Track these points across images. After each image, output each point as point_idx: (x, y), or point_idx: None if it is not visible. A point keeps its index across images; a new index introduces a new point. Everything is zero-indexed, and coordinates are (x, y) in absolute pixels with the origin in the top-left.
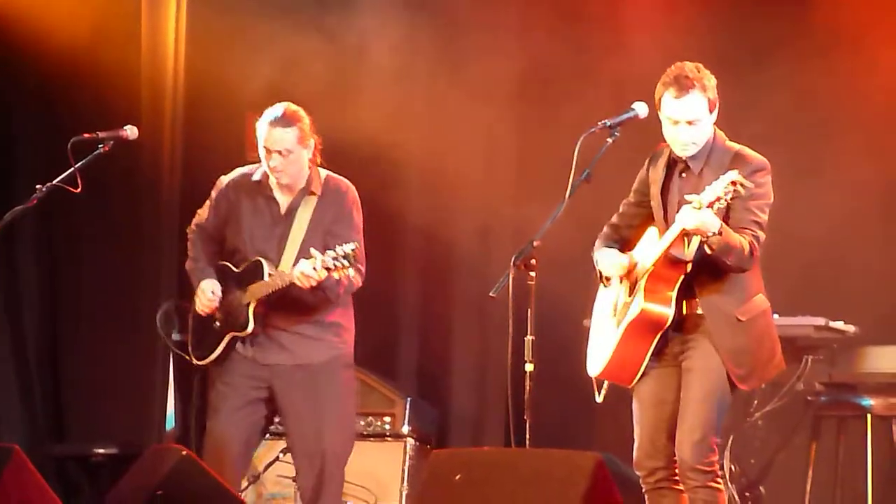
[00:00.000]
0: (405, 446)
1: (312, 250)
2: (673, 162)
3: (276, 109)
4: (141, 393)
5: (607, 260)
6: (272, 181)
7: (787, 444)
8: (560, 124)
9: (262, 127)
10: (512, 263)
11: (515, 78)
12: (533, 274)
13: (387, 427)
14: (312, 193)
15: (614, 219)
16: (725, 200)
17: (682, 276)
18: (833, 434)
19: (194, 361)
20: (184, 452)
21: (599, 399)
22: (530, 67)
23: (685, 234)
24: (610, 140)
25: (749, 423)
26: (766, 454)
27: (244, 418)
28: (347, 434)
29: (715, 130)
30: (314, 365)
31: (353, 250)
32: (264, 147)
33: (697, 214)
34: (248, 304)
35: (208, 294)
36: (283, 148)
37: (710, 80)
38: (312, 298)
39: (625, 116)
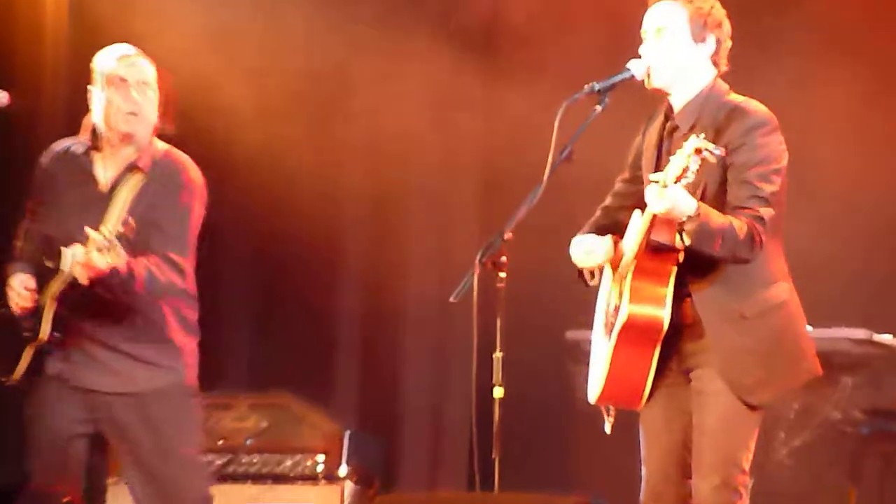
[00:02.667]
0: (343, 491)
1: (87, 230)
2: (667, 122)
3: (126, 46)
4: None
5: (579, 248)
6: (95, 155)
7: (820, 487)
8: (537, 89)
9: (112, 59)
10: (477, 261)
11: (481, 33)
12: (503, 275)
13: (320, 467)
14: (138, 170)
15: (607, 199)
16: (693, 173)
17: (675, 268)
18: (877, 475)
19: None
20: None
21: (608, 429)
22: (500, 20)
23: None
24: (599, 108)
25: (773, 461)
26: (793, 499)
27: (61, 461)
28: (200, 479)
29: (715, 80)
30: (146, 393)
31: (121, 230)
32: (117, 79)
33: (665, 195)
34: (44, 305)
35: (18, 289)
36: (142, 79)
37: (704, 2)
38: (127, 303)
39: (617, 78)
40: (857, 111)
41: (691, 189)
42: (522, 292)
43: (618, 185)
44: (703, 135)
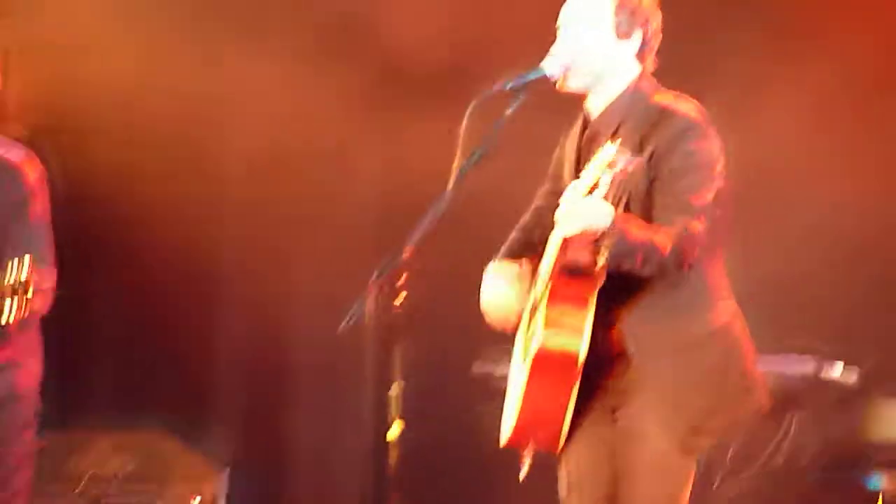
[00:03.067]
0: None
1: None
2: (586, 127)
3: None
4: None
5: (491, 308)
6: None
7: None
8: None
9: None
10: (372, 283)
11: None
12: (402, 298)
13: None
14: None
15: (526, 216)
16: (606, 186)
17: (595, 292)
18: None
19: None
20: None
21: (523, 476)
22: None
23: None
24: (510, 110)
25: None
26: None
27: None
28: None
29: (640, 79)
30: None
31: (27, 274)
32: None
33: (575, 211)
34: None
35: None
36: None
37: (642, 5)
38: None
39: (530, 77)
40: (818, 126)
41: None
42: (424, 318)
43: (538, 200)
44: (618, 141)
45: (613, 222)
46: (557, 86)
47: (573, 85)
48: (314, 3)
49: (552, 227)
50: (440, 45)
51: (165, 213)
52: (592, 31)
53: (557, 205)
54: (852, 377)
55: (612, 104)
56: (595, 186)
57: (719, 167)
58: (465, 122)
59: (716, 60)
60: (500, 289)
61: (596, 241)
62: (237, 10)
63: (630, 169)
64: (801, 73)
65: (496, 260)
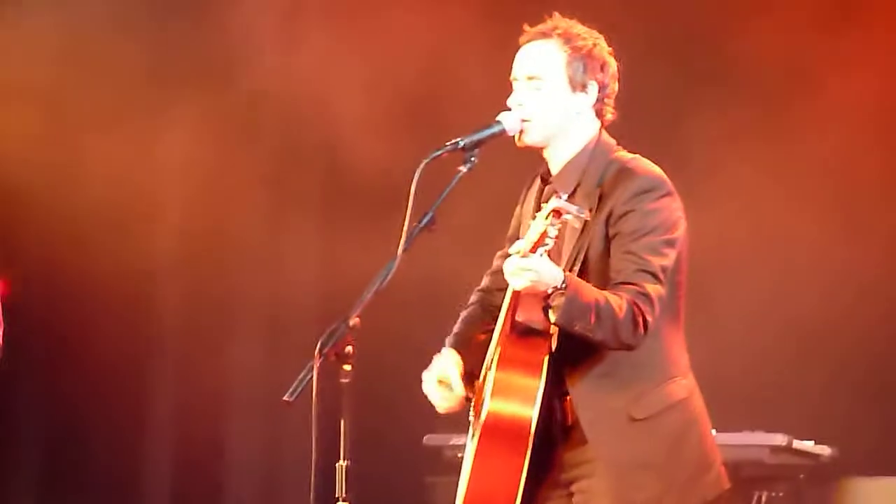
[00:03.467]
0: None
1: None
2: (544, 185)
3: None
4: None
5: (431, 389)
6: None
7: None
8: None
9: None
10: (317, 352)
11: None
12: (348, 368)
13: None
14: None
15: (484, 280)
16: (552, 239)
17: (547, 357)
18: None
19: None
20: None
21: None
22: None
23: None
24: (464, 168)
25: None
26: None
27: None
28: None
29: (600, 134)
30: None
31: None
32: None
33: (524, 265)
34: None
35: None
36: None
37: (587, 40)
38: None
39: (486, 133)
40: (783, 207)
41: (556, 259)
42: (373, 389)
43: (497, 263)
44: (564, 196)
45: (565, 278)
46: (516, 141)
47: (531, 140)
48: (266, 107)
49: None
50: (382, 148)
51: (99, 292)
52: (546, 87)
53: None
54: (826, 451)
55: (571, 161)
56: (541, 240)
57: (681, 230)
58: (414, 182)
59: (676, 143)
60: (431, 388)
61: (546, 299)
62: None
63: (578, 224)
64: (762, 151)
65: (444, 347)
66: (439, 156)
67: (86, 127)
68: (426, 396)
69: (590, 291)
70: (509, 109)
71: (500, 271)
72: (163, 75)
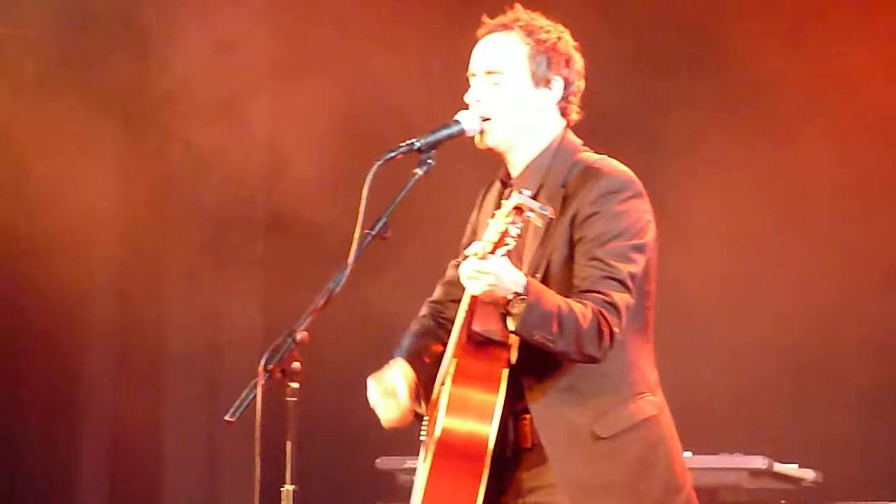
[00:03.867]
0: None
1: None
2: (503, 188)
3: None
4: None
5: (374, 393)
6: None
7: None
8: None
9: None
10: (262, 369)
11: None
12: (295, 385)
13: None
14: None
15: (436, 291)
16: (514, 239)
17: (506, 370)
18: None
19: None
20: None
21: None
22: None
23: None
24: (420, 171)
25: None
26: None
27: None
28: None
29: (564, 133)
30: None
31: None
32: None
33: (483, 268)
34: None
35: None
36: None
37: (550, 33)
38: None
39: (443, 134)
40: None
41: (516, 263)
42: (321, 408)
43: (450, 272)
44: (526, 192)
45: (526, 284)
46: (476, 142)
47: (492, 141)
48: (207, 142)
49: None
50: (324, 200)
51: (33, 314)
52: (507, 83)
53: None
54: (809, 475)
55: (533, 162)
56: (502, 240)
57: (650, 235)
58: (366, 185)
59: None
60: (376, 398)
61: (506, 306)
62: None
63: (540, 222)
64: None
65: (393, 359)
66: (393, 157)
67: (29, 148)
68: (375, 416)
69: (552, 298)
70: (468, 108)
71: (453, 281)
72: (103, 108)
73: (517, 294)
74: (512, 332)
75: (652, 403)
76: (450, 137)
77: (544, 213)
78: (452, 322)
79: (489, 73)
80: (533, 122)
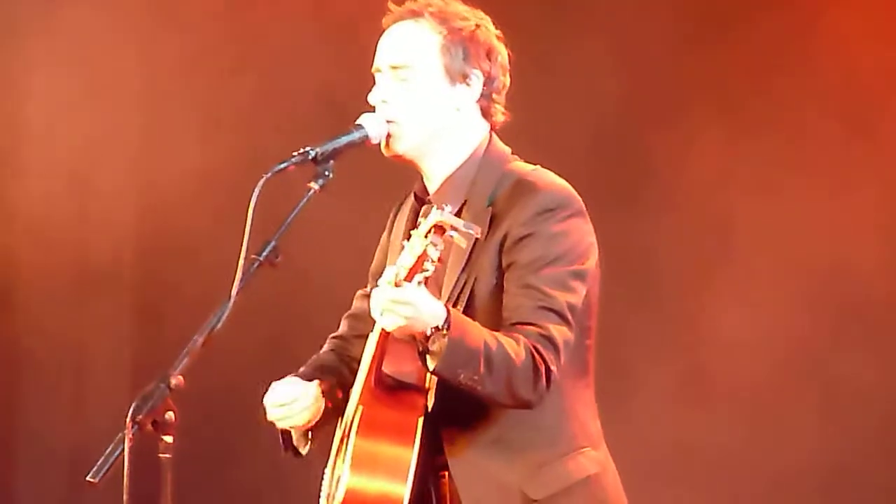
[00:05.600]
0: None
1: None
2: (419, 205)
3: None
4: None
5: (272, 400)
6: None
7: None
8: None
9: None
10: (129, 420)
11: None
12: (169, 439)
13: None
14: None
15: (341, 326)
16: (433, 263)
17: (422, 419)
18: None
19: None
20: None
21: None
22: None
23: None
24: (316, 185)
25: None
26: None
27: None
28: None
29: (490, 140)
30: None
31: None
32: None
33: (398, 297)
34: None
35: None
36: None
37: (468, 20)
38: None
39: (342, 141)
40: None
41: (434, 292)
42: (200, 464)
43: (356, 304)
44: (448, 208)
45: (448, 316)
46: (382, 149)
47: (401, 148)
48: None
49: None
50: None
51: None
52: (417, 78)
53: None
54: None
55: (454, 174)
56: (419, 264)
57: (592, 260)
58: (252, 203)
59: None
60: (283, 385)
61: (425, 342)
62: None
63: (464, 243)
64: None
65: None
66: (284, 169)
67: None
68: (264, 472)
69: (478, 333)
70: (373, 110)
71: (360, 314)
72: None
73: (437, 328)
74: (431, 372)
75: (593, 460)
76: (351, 145)
77: (469, 232)
78: (357, 362)
79: (395, 67)
80: (449, 124)
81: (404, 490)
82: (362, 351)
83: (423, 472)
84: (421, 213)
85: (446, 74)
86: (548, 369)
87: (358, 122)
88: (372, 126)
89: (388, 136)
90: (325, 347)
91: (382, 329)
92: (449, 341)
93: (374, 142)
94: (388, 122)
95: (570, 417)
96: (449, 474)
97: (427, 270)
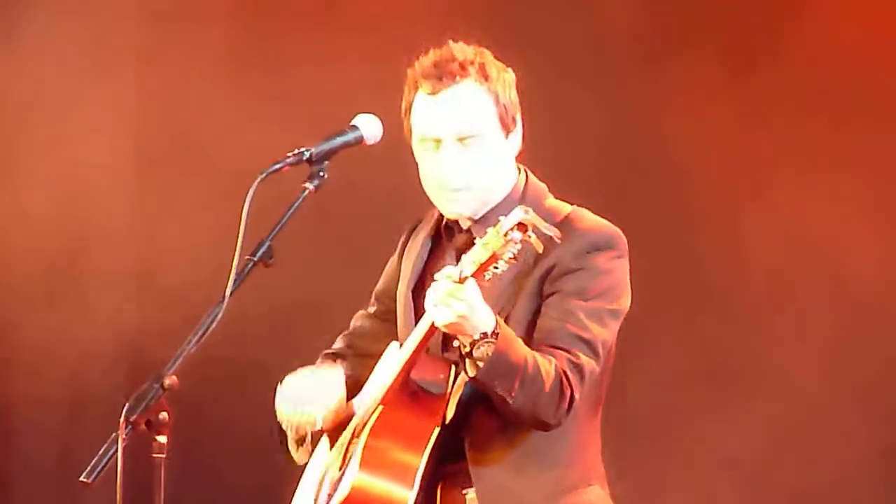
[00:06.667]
0: None
1: None
2: (443, 233)
3: None
4: None
5: (297, 388)
6: None
7: None
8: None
9: None
10: (123, 420)
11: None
12: (163, 439)
13: None
14: None
15: (338, 342)
16: (507, 262)
17: (437, 430)
18: None
19: None
20: None
21: None
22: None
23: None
24: (311, 186)
25: None
26: None
27: None
28: None
29: (527, 175)
30: None
31: None
32: None
33: (460, 294)
34: None
35: None
36: None
37: (505, 74)
38: None
39: (338, 142)
40: None
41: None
42: (193, 466)
43: (356, 324)
44: (524, 208)
45: (497, 325)
46: (443, 212)
47: (469, 212)
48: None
49: (374, 360)
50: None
51: None
52: (485, 142)
53: (382, 331)
54: None
55: (497, 207)
56: (491, 262)
57: (627, 302)
58: (247, 203)
59: None
60: (318, 370)
61: (471, 345)
62: None
63: (540, 247)
64: None
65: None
66: (279, 169)
67: None
68: (257, 472)
69: (521, 348)
70: (363, 113)
71: (361, 333)
72: None
73: (485, 334)
74: (470, 378)
75: (601, 498)
76: (346, 146)
77: (549, 234)
78: (357, 381)
79: (463, 138)
80: (505, 174)
81: (410, 495)
82: (362, 369)
83: (432, 480)
84: (452, 242)
85: (502, 129)
86: (572, 395)
87: (353, 122)
88: (367, 127)
89: (453, 200)
90: (338, 343)
91: (431, 324)
92: (495, 351)
93: (370, 143)
94: (455, 189)
95: (584, 452)
96: (442, 486)
97: (498, 268)
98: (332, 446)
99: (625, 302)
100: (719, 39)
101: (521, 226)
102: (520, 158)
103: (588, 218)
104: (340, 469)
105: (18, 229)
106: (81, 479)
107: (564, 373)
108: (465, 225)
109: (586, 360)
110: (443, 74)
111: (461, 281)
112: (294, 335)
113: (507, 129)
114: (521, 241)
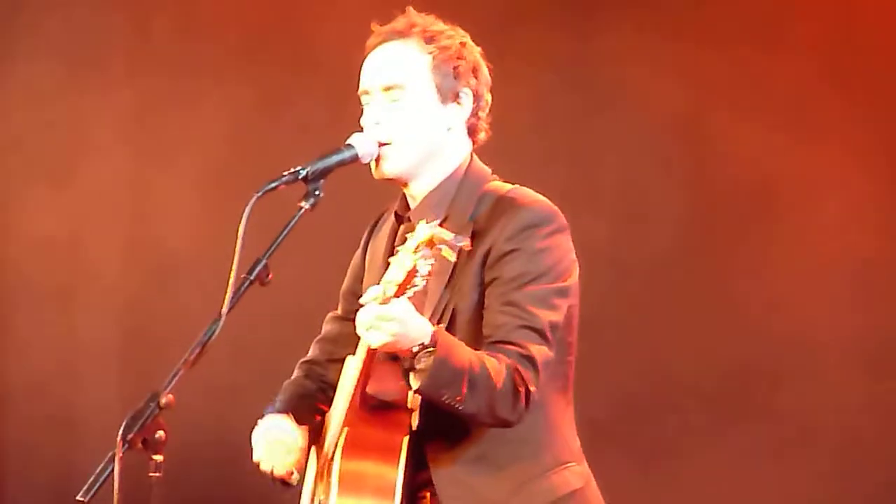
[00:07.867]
0: None
1: None
2: (399, 223)
3: None
4: None
5: (262, 448)
6: None
7: None
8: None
9: None
10: (120, 439)
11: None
12: (159, 458)
13: None
14: None
15: (311, 350)
16: (424, 278)
17: (407, 439)
18: None
19: None
20: None
21: None
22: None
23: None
24: (306, 204)
25: None
26: None
27: None
28: None
29: (471, 159)
30: None
31: None
32: None
33: (386, 314)
34: None
35: None
36: None
37: (453, 38)
38: None
39: (333, 160)
40: None
41: (419, 308)
42: (191, 487)
43: (327, 327)
44: (436, 222)
45: (434, 334)
46: (373, 170)
47: (394, 170)
48: None
49: (342, 361)
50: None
51: None
52: (410, 96)
53: (350, 330)
54: None
55: (433, 192)
56: (409, 280)
57: (574, 277)
58: (243, 222)
59: None
60: (272, 426)
61: (411, 359)
62: None
63: (452, 256)
64: None
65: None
66: (275, 188)
67: None
68: (254, 491)
69: (463, 352)
70: (361, 130)
71: (332, 338)
72: None
73: (423, 346)
74: (415, 391)
75: (577, 474)
76: (341, 164)
77: (459, 244)
78: (332, 385)
79: (388, 88)
80: (440, 144)
81: None
82: (338, 374)
83: (411, 488)
84: (401, 231)
85: (438, 94)
86: (527, 390)
87: (348, 141)
88: (362, 146)
89: (380, 157)
90: (297, 373)
91: (368, 347)
92: (435, 360)
93: (365, 161)
94: (380, 143)
95: (554, 433)
96: (430, 493)
97: (416, 286)
98: (318, 457)
99: (571, 277)
100: None
101: (430, 242)
102: (513, 156)
103: (522, 196)
104: (325, 493)
105: (16, 247)
106: (78, 497)
107: (516, 369)
108: (404, 214)
109: (537, 350)
110: (385, 34)
111: (386, 301)
112: (293, 351)
113: (444, 98)
114: (432, 256)
